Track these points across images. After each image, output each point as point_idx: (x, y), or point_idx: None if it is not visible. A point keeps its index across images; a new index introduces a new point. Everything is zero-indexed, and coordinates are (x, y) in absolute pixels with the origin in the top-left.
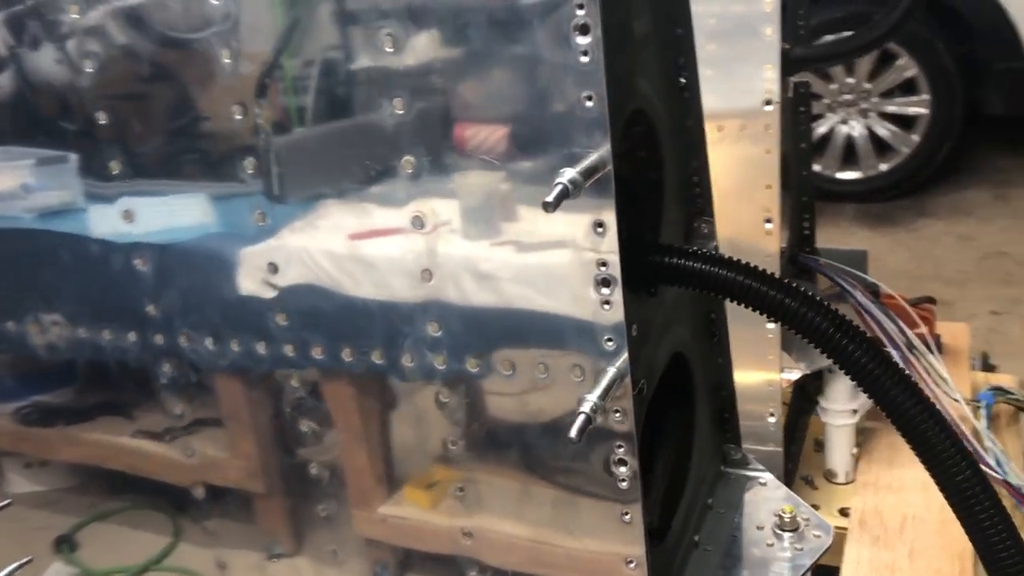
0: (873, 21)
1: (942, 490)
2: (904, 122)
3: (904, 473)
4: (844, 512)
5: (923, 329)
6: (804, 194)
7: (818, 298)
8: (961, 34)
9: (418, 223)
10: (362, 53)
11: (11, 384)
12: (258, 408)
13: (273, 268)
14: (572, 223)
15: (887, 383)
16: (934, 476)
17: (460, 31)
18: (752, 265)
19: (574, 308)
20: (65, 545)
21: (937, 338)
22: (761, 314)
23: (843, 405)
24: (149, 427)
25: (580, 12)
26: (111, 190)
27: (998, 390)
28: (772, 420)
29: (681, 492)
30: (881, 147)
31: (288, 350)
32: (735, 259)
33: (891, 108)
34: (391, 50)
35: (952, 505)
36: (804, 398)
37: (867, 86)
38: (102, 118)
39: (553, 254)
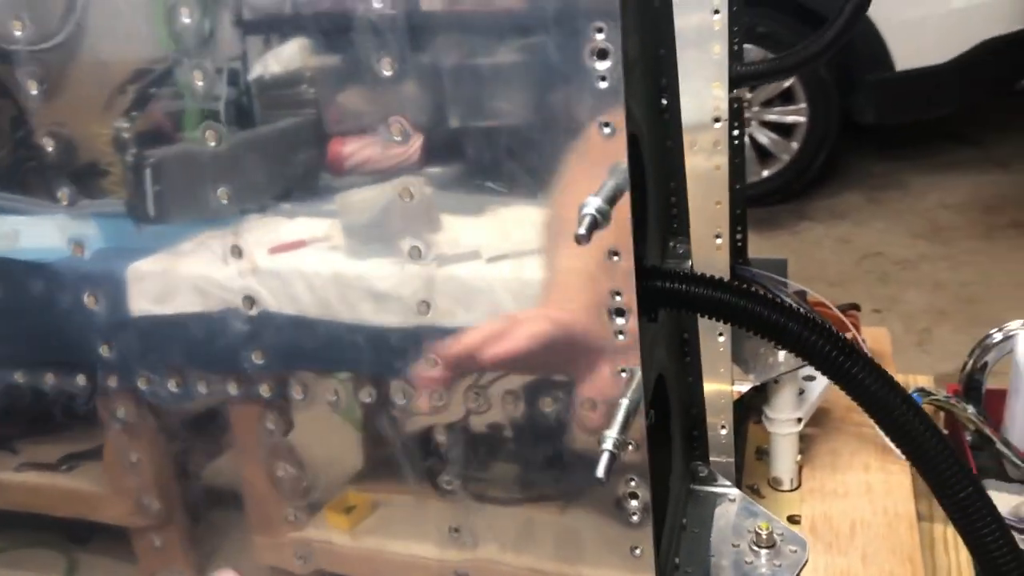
0: (809, 39)
1: (945, 508)
2: (784, 130)
3: (847, 478)
4: (794, 520)
5: (853, 333)
6: (738, 207)
7: (820, 322)
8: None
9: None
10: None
11: None
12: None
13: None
14: (586, 251)
15: (894, 404)
16: (937, 494)
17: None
18: (753, 289)
19: (588, 338)
20: None
21: (863, 343)
22: (768, 340)
23: (789, 414)
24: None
25: (599, 36)
26: None
27: (922, 391)
28: (724, 432)
29: (663, 516)
30: (763, 154)
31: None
32: (738, 284)
33: (771, 117)
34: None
35: (954, 521)
36: (742, 408)
37: (748, 95)
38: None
39: (571, 281)
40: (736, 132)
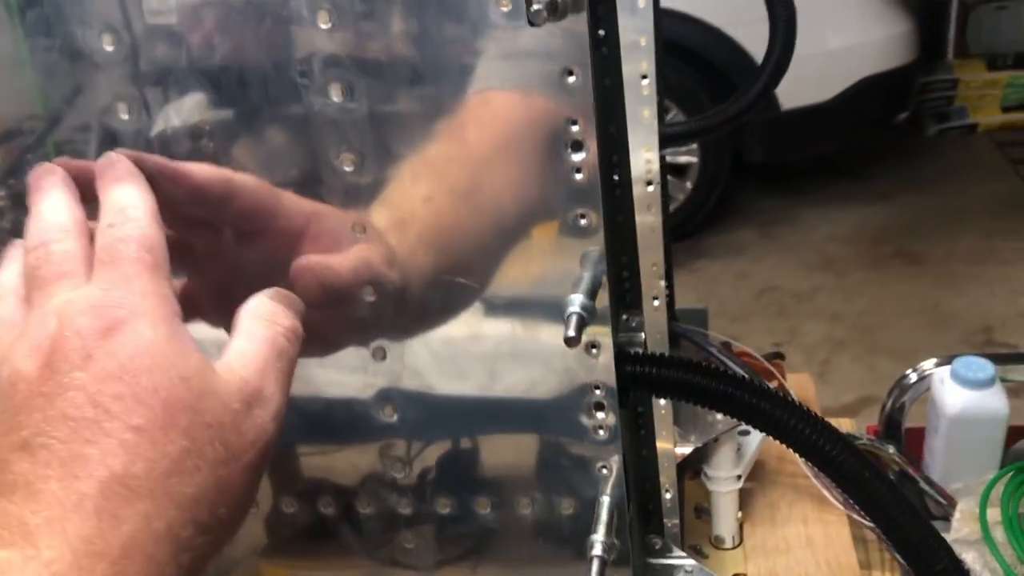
0: (733, 97)
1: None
2: (677, 171)
3: (787, 532)
4: None
5: (779, 382)
6: (666, 263)
7: (790, 399)
8: (723, 89)
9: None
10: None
11: None
12: None
13: None
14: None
15: (873, 483)
16: (913, 568)
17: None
18: (723, 370)
19: (567, 438)
20: None
21: (790, 392)
22: (736, 418)
23: (729, 471)
24: None
25: (574, 128)
26: None
27: (850, 436)
28: (668, 496)
29: None
30: None
31: None
32: (708, 365)
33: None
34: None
35: None
36: (680, 468)
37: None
38: None
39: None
40: (663, 188)
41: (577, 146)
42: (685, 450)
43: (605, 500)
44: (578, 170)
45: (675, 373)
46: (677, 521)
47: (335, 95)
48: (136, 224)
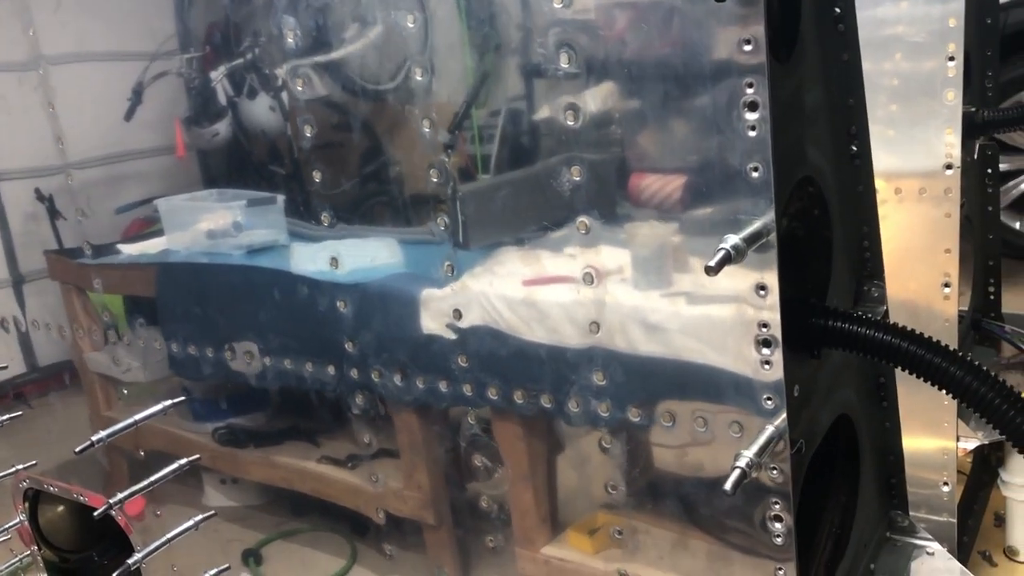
0: None
1: None
2: None
3: None
4: None
5: None
6: (990, 258)
7: (984, 368)
8: None
9: (588, 278)
10: (544, 115)
11: (210, 407)
12: (436, 442)
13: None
14: (736, 281)
15: None
16: None
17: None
18: (916, 331)
19: (735, 365)
20: (251, 558)
21: None
22: (924, 380)
23: None
24: (335, 454)
25: (749, 90)
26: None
27: None
28: (946, 489)
29: (842, 553)
30: None
31: (467, 389)
32: (898, 325)
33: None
34: (572, 122)
35: None
36: (985, 469)
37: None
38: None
39: (717, 309)
40: (989, 180)
41: (752, 106)
42: (968, 444)
43: (768, 428)
44: (752, 128)
45: (861, 330)
46: (954, 519)
47: None
48: None
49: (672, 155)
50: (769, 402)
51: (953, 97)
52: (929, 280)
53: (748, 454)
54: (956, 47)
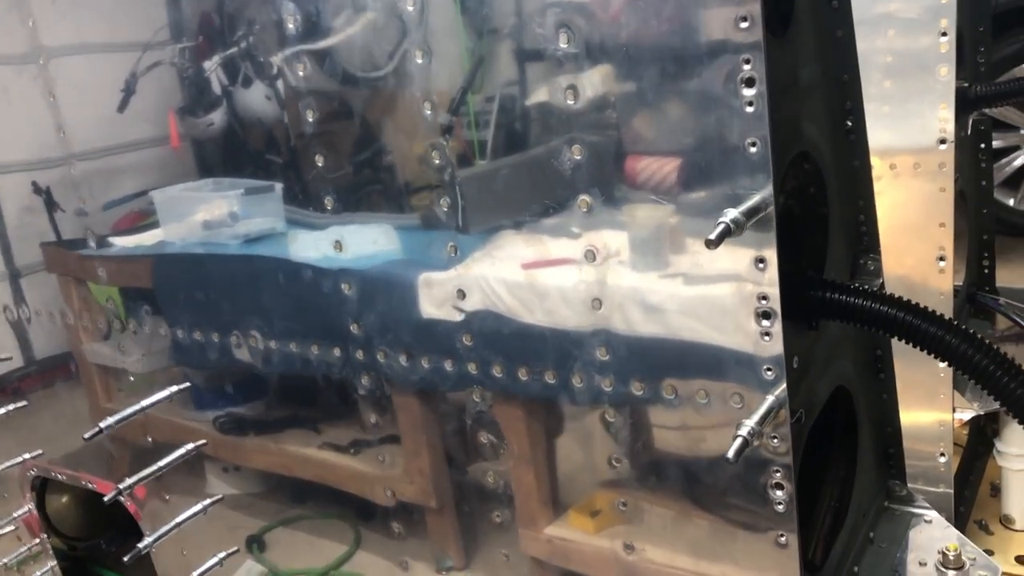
0: None
1: None
2: None
3: None
4: (1022, 560)
5: None
6: (984, 232)
7: (980, 337)
8: None
9: (590, 255)
10: (542, 99)
11: (211, 395)
12: (442, 421)
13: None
14: (735, 258)
15: None
16: None
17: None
18: (913, 302)
19: (736, 338)
20: (255, 545)
21: None
22: (921, 350)
23: (1021, 449)
24: (336, 440)
25: (746, 67)
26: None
27: None
28: (943, 460)
29: (841, 524)
30: None
31: (471, 368)
32: (895, 296)
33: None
34: (572, 102)
35: None
36: (981, 440)
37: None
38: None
39: (716, 287)
40: (983, 155)
41: (749, 82)
42: (964, 415)
43: (768, 399)
44: (749, 103)
45: (859, 301)
46: (951, 490)
47: None
48: None
49: (670, 133)
50: (769, 373)
51: (946, 73)
52: (924, 254)
53: (749, 423)
54: (948, 23)
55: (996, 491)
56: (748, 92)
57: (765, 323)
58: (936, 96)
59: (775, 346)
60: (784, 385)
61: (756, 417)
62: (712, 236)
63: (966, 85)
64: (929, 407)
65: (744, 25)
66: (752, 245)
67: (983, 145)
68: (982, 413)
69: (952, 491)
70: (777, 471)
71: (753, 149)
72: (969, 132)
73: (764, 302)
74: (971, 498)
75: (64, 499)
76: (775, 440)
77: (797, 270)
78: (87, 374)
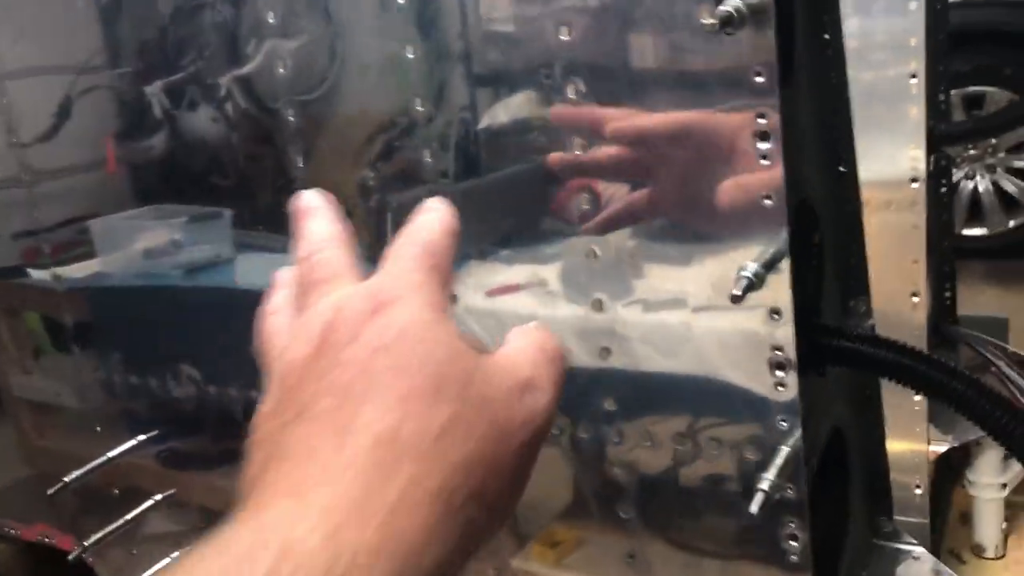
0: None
1: None
2: None
3: None
4: None
5: None
6: (946, 264)
7: (986, 385)
8: None
9: (597, 305)
10: None
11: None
12: None
13: None
14: (749, 309)
15: None
16: None
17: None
18: (927, 353)
19: (750, 385)
20: None
21: None
22: (945, 405)
23: (992, 478)
24: None
25: (761, 121)
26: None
27: None
28: (919, 492)
29: (836, 564)
30: (1009, 203)
31: None
32: (907, 345)
33: (1018, 163)
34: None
35: None
36: (948, 470)
37: (993, 141)
38: None
39: (731, 337)
40: (944, 190)
41: (764, 136)
42: (940, 447)
43: (783, 449)
44: (764, 156)
45: (867, 348)
46: (927, 520)
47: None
48: (427, 230)
49: (684, 187)
50: (784, 423)
51: (917, 113)
52: (898, 290)
53: (768, 476)
54: (918, 64)
55: (966, 520)
56: (763, 146)
57: (780, 373)
58: (907, 136)
59: (789, 396)
60: (799, 434)
61: (774, 470)
62: (737, 291)
63: (931, 124)
64: (905, 439)
65: (760, 80)
66: (767, 296)
67: (944, 180)
68: (956, 445)
69: (928, 521)
70: (792, 522)
71: (768, 203)
72: (933, 168)
73: (779, 353)
74: (942, 528)
75: None
76: (789, 490)
77: (802, 316)
78: (15, 411)
